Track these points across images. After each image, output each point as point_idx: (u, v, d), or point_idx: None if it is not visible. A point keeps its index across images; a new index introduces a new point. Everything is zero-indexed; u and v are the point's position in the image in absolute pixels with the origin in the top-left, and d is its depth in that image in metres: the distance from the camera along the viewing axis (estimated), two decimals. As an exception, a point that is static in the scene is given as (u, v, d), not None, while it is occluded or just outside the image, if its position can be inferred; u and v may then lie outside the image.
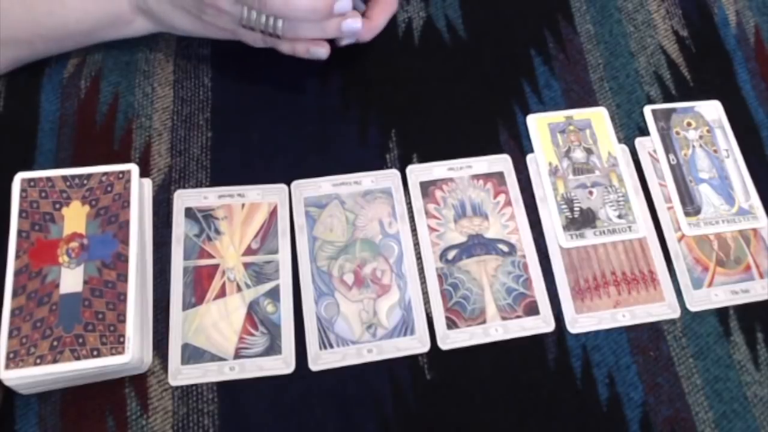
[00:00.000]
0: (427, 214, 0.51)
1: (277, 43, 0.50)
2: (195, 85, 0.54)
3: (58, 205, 0.45)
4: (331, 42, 0.51)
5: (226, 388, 0.45)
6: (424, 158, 0.53)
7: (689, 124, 0.56)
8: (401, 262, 0.49)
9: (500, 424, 0.45)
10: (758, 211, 0.53)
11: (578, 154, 0.54)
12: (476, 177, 0.53)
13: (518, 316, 0.48)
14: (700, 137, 0.56)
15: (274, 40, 0.49)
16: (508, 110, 0.55)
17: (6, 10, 0.47)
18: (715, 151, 0.55)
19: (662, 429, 0.46)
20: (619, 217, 0.52)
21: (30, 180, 0.45)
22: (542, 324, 0.48)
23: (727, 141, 0.56)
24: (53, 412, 0.43)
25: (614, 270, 0.50)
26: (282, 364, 0.45)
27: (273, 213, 0.50)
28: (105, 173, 0.46)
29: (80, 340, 0.41)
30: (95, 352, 0.41)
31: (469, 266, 0.49)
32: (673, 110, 0.57)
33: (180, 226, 0.49)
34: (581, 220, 0.51)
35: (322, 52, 0.50)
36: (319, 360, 0.46)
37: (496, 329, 0.48)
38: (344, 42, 0.52)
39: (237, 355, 0.45)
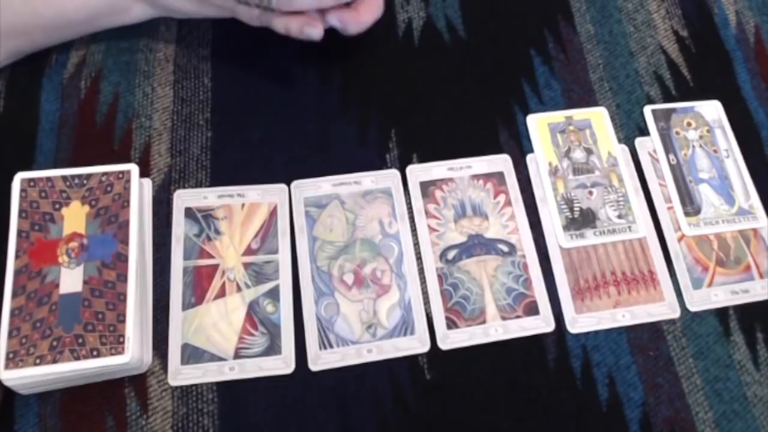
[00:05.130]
0: (427, 214, 0.51)
1: (272, 21, 0.49)
2: (195, 85, 0.54)
3: (57, 205, 0.45)
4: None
5: (226, 388, 0.45)
6: (424, 158, 0.53)
7: (689, 124, 0.56)
8: (401, 262, 0.49)
9: (500, 424, 0.45)
10: (758, 211, 0.53)
11: (578, 154, 0.54)
12: (476, 177, 0.53)
13: (518, 316, 0.48)
14: (700, 137, 0.56)
15: (268, 17, 0.49)
16: (508, 110, 0.55)
17: (5, 2, 0.47)
18: (715, 151, 0.55)
19: (662, 429, 0.46)
20: (619, 217, 0.52)
21: (30, 180, 0.45)
22: (542, 324, 0.48)
23: (727, 141, 0.56)
24: (53, 412, 0.43)
25: (614, 270, 0.50)
26: (282, 364, 0.45)
27: (273, 213, 0.50)
28: (105, 173, 0.46)
29: (80, 340, 0.41)
30: (95, 352, 0.41)
31: (469, 266, 0.49)
32: (673, 110, 0.56)
33: (180, 226, 0.49)
34: (581, 220, 0.51)
35: (315, 32, 0.49)
36: (319, 360, 0.46)
37: (496, 329, 0.48)
38: (330, 22, 0.50)
39: (237, 355, 0.45)
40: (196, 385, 0.45)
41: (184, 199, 0.50)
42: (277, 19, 0.49)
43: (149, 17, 0.51)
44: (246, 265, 0.48)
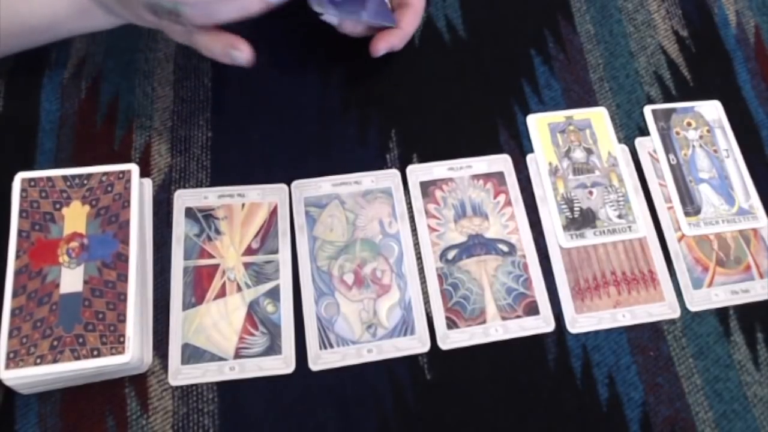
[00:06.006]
0: (427, 214, 0.51)
1: (193, 38, 0.45)
2: (195, 85, 0.54)
3: (58, 205, 0.45)
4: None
5: (226, 387, 0.45)
6: (424, 158, 0.53)
7: (689, 124, 0.56)
8: (401, 262, 0.49)
9: (500, 424, 0.45)
10: (758, 211, 0.53)
11: (578, 154, 0.54)
12: (476, 177, 0.53)
13: (518, 316, 0.48)
14: (700, 137, 0.56)
15: (190, 33, 0.45)
16: (508, 110, 0.55)
17: None
18: (715, 151, 0.55)
19: (662, 429, 0.46)
20: (619, 217, 0.52)
21: (30, 180, 0.45)
22: (542, 324, 0.48)
23: (727, 141, 0.56)
24: (53, 412, 0.43)
25: (614, 270, 0.50)
26: (282, 364, 0.45)
27: (273, 213, 0.50)
28: (105, 173, 0.46)
29: (80, 340, 0.41)
30: (95, 352, 0.41)
31: (469, 266, 0.49)
32: (673, 110, 0.57)
33: (180, 226, 0.49)
34: (581, 220, 0.51)
35: (242, 56, 0.44)
36: (319, 360, 0.46)
37: (496, 329, 0.48)
38: (381, 52, 0.52)
39: (237, 355, 0.45)
40: (196, 384, 0.45)
41: (184, 199, 0.50)
42: (199, 37, 0.45)
43: (113, 25, 0.48)
44: (246, 265, 0.48)
